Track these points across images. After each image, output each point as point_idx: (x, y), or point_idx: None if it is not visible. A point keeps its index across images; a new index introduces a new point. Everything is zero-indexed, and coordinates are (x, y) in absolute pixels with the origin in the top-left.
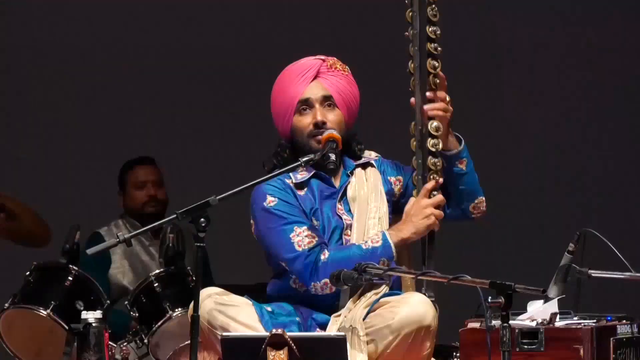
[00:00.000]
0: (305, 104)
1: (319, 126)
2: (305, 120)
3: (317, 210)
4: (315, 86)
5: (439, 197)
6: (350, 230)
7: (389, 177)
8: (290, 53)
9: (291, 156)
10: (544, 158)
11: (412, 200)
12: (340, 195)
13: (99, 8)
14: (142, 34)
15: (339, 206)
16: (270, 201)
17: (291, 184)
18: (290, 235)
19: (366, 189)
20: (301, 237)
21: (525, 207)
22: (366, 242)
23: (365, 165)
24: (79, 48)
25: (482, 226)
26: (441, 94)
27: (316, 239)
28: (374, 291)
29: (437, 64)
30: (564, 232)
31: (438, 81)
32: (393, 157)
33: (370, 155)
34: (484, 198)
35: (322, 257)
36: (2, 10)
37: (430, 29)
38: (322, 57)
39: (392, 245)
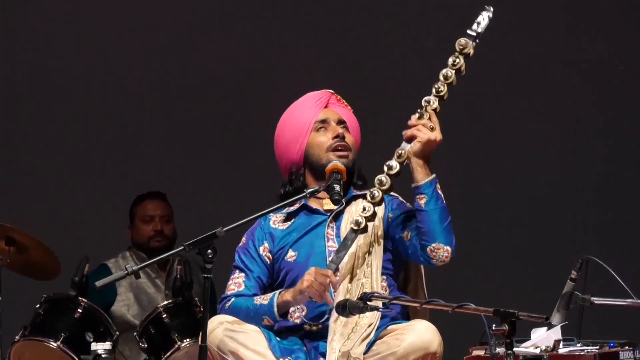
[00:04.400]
0: (323, 123)
1: (340, 137)
2: (325, 136)
3: (296, 242)
4: (330, 111)
5: (328, 272)
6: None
7: (389, 214)
8: (296, 85)
9: (295, 190)
10: (546, 185)
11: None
12: (331, 219)
13: (108, 42)
14: (150, 67)
15: (329, 231)
16: (242, 241)
17: (278, 219)
18: (231, 277)
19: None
20: (232, 282)
21: (528, 235)
22: (261, 296)
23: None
24: (88, 81)
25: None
26: (426, 122)
27: (239, 288)
28: (367, 323)
29: (433, 102)
30: (567, 260)
31: (430, 117)
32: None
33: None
34: (448, 248)
35: (227, 304)
36: (6, 48)
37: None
38: (332, 91)
39: (275, 305)
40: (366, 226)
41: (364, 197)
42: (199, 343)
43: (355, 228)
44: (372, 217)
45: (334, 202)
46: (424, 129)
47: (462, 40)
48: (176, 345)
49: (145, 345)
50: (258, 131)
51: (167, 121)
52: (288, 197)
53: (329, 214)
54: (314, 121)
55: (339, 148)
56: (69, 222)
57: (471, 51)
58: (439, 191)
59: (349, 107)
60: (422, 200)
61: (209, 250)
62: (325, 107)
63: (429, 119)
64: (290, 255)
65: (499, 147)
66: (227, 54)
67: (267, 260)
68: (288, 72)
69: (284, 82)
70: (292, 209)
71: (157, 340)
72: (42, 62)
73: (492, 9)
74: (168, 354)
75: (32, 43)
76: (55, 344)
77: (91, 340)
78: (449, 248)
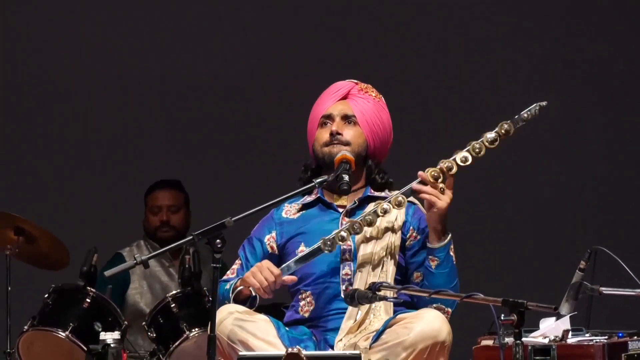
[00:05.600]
0: (328, 119)
1: (333, 135)
2: (324, 133)
3: (308, 237)
4: (341, 104)
5: (277, 271)
6: (350, 254)
7: (410, 227)
8: (308, 78)
9: (313, 176)
10: (554, 176)
11: None
12: (343, 216)
13: (122, 32)
14: (164, 57)
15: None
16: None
17: (292, 209)
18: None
19: (379, 220)
20: (230, 269)
21: (537, 225)
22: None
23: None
24: (101, 69)
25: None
26: (437, 185)
27: (232, 275)
28: (375, 327)
29: (454, 168)
30: (575, 250)
31: (444, 178)
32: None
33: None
34: (448, 309)
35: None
36: (15, 38)
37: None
38: (356, 81)
39: (230, 289)
40: (335, 247)
41: (381, 199)
42: (208, 333)
43: (324, 247)
44: (369, 224)
45: (342, 192)
46: (439, 195)
47: (506, 125)
48: (185, 335)
49: (154, 335)
50: (271, 120)
51: (178, 111)
52: (305, 184)
53: (341, 211)
54: (320, 116)
55: (330, 143)
56: (79, 213)
57: (511, 133)
58: (452, 253)
59: (376, 98)
60: (433, 262)
61: (218, 240)
62: (345, 98)
63: (442, 180)
64: (302, 250)
65: (500, 146)
66: (234, 51)
67: (270, 249)
68: (304, 63)
69: (287, 80)
70: (308, 199)
71: (165, 330)
72: (50, 49)
73: (545, 103)
74: (176, 343)
75: (43, 32)
76: (63, 334)
77: (100, 330)
78: (449, 310)
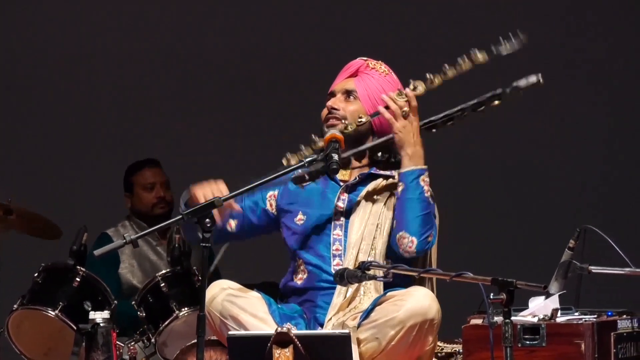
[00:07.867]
0: (330, 96)
1: (329, 111)
2: (325, 109)
3: (307, 206)
4: (346, 81)
5: (224, 190)
6: (341, 229)
7: None
8: (300, 55)
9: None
10: (545, 155)
11: None
12: (342, 191)
13: (106, 9)
14: (148, 35)
15: (339, 203)
16: None
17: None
18: None
19: (379, 197)
20: None
21: (526, 204)
22: None
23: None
24: (83, 49)
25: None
26: (401, 105)
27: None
28: (365, 307)
29: (420, 91)
30: (565, 229)
31: (409, 103)
32: None
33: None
34: (413, 238)
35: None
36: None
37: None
38: (367, 58)
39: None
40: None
41: (385, 177)
42: (198, 312)
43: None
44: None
45: (332, 171)
46: (398, 116)
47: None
48: (174, 315)
49: (144, 314)
50: (260, 99)
51: (163, 89)
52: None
53: (341, 185)
54: (328, 94)
55: (328, 119)
56: (67, 191)
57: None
58: (422, 183)
59: (383, 73)
60: (399, 188)
61: (207, 220)
62: (354, 75)
63: (407, 102)
64: (299, 218)
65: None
66: (229, 22)
67: (269, 206)
68: (294, 39)
69: (290, 49)
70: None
71: (155, 309)
72: (37, 29)
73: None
74: (166, 323)
75: (32, 14)
76: (53, 313)
77: (89, 309)
78: (414, 238)
